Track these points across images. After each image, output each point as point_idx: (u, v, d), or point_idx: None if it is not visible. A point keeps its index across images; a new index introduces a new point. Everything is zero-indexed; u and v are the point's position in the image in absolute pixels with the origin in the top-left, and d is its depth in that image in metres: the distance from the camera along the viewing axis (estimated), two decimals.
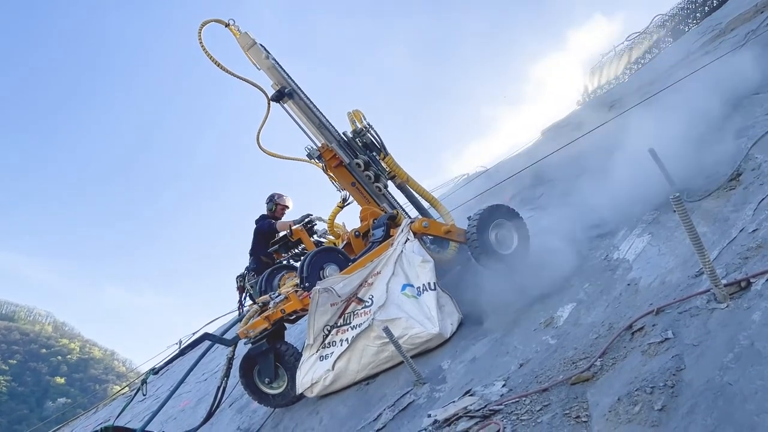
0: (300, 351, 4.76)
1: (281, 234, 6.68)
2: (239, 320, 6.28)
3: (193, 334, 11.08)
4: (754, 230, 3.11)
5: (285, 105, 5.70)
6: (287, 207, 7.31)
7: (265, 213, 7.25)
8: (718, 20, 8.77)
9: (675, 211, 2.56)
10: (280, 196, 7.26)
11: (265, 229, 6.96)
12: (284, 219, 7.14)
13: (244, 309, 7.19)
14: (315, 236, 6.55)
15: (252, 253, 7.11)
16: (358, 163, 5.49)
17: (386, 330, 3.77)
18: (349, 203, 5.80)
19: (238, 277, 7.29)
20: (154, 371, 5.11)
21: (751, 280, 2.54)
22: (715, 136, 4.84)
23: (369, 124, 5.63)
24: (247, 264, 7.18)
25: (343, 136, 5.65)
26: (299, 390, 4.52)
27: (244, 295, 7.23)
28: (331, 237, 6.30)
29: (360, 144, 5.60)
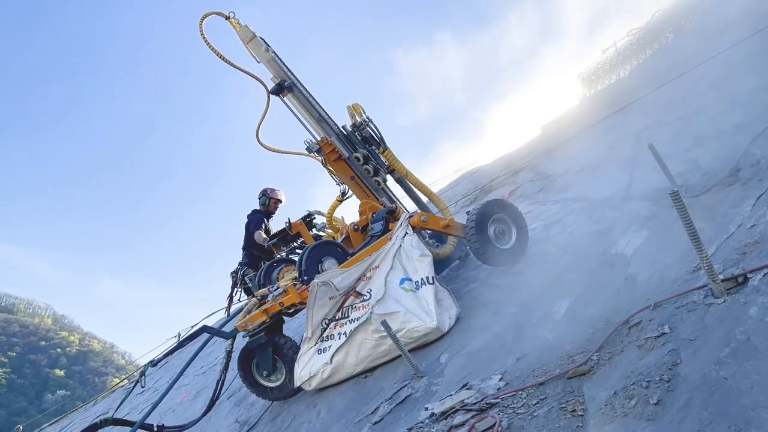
0: (298, 344, 4.77)
1: (257, 239, 6.78)
2: (228, 317, 6.27)
3: (192, 327, 11.10)
4: (752, 226, 3.11)
5: (284, 98, 5.69)
6: (280, 201, 7.32)
7: (257, 208, 7.25)
8: (720, 16, 8.72)
9: (673, 206, 2.56)
10: (273, 190, 7.26)
11: (250, 227, 7.00)
12: (277, 214, 7.21)
13: (241, 302, 7.20)
14: (314, 230, 6.57)
15: (245, 247, 7.12)
16: (357, 157, 5.48)
17: (384, 324, 3.78)
18: (348, 197, 5.80)
19: (232, 272, 7.29)
20: (153, 363, 5.12)
21: (749, 276, 2.55)
22: (713, 132, 4.84)
23: (368, 118, 5.61)
24: (240, 259, 7.19)
25: (342, 129, 5.64)
26: (297, 383, 4.53)
27: (235, 290, 7.23)
28: (330, 231, 6.31)
29: (359, 138, 5.59)
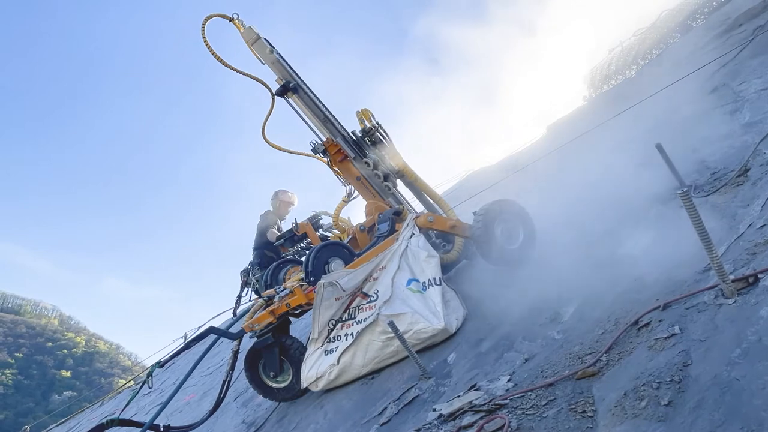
0: (305, 345, 4.77)
1: (270, 237, 6.84)
2: (238, 318, 6.30)
3: (198, 328, 11.16)
4: (762, 226, 3.09)
5: (289, 100, 5.69)
6: (291, 204, 7.39)
7: (269, 209, 7.31)
8: (726, 15, 8.69)
9: (683, 206, 2.54)
10: (284, 192, 7.35)
11: (263, 226, 7.05)
12: (289, 216, 7.25)
13: (248, 303, 7.23)
14: (320, 230, 6.59)
15: (256, 247, 7.15)
16: (367, 162, 5.48)
17: (391, 325, 3.77)
18: (354, 198, 5.81)
19: (242, 272, 7.34)
20: (160, 364, 5.13)
21: (759, 276, 2.53)
22: (722, 132, 4.81)
23: (378, 123, 5.61)
24: (251, 259, 7.23)
25: (351, 134, 5.64)
26: (304, 384, 4.53)
27: (246, 290, 7.28)
28: (337, 231, 6.32)
29: (369, 143, 5.59)
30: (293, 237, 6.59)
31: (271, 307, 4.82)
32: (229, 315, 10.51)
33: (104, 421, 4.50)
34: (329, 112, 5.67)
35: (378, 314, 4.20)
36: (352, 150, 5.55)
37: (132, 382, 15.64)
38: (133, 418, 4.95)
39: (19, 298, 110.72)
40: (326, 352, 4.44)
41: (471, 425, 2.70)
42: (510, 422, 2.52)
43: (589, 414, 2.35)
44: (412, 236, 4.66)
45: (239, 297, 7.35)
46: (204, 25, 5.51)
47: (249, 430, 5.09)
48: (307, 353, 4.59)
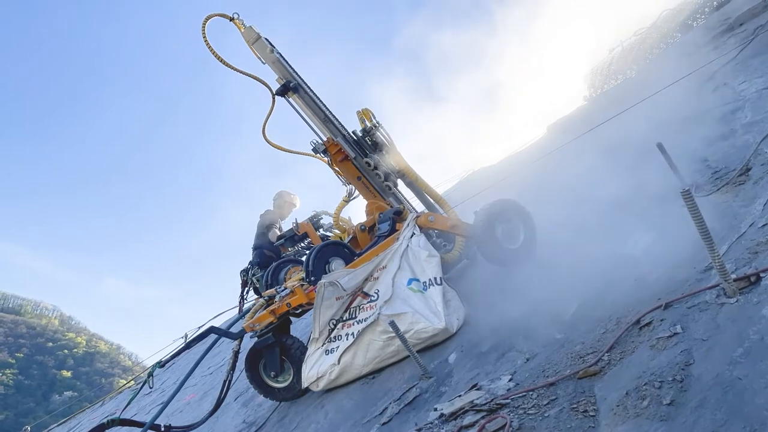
0: (305, 345, 4.76)
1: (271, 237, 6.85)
2: (241, 316, 6.32)
3: (199, 328, 11.17)
4: (763, 225, 3.09)
5: (290, 99, 5.69)
6: (294, 205, 7.42)
7: (271, 208, 7.32)
8: (726, 15, 8.68)
9: (684, 205, 2.54)
10: (288, 193, 7.38)
11: (262, 226, 7.06)
12: (290, 217, 7.26)
13: (249, 303, 7.24)
14: (321, 230, 6.59)
15: (255, 247, 7.15)
16: (368, 162, 5.48)
17: (392, 324, 3.76)
18: (354, 197, 5.80)
19: (242, 271, 7.34)
20: (161, 364, 5.12)
21: (761, 275, 2.53)
22: (723, 131, 4.81)
23: (378, 123, 5.61)
24: (251, 258, 7.23)
25: (352, 134, 5.63)
26: (305, 384, 4.53)
27: (246, 289, 7.30)
28: (337, 231, 6.32)
29: (369, 142, 5.59)
30: (294, 237, 6.60)
31: (271, 307, 4.82)
32: (230, 314, 10.50)
33: (105, 421, 4.49)
34: (330, 111, 5.67)
35: (379, 314, 4.20)
36: (353, 150, 5.55)
37: (132, 382, 15.65)
38: (134, 418, 4.94)
39: (20, 298, 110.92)
40: (327, 352, 4.44)
41: (472, 425, 2.69)
42: (511, 422, 2.51)
43: (591, 413, 2.35)
44: (412, 236, 4.66)
45: (242, 297, 7.38)
46: (204, 24, 5.51)
47: (250, 430, 5.08)
48: (307, 353, 4.59)
